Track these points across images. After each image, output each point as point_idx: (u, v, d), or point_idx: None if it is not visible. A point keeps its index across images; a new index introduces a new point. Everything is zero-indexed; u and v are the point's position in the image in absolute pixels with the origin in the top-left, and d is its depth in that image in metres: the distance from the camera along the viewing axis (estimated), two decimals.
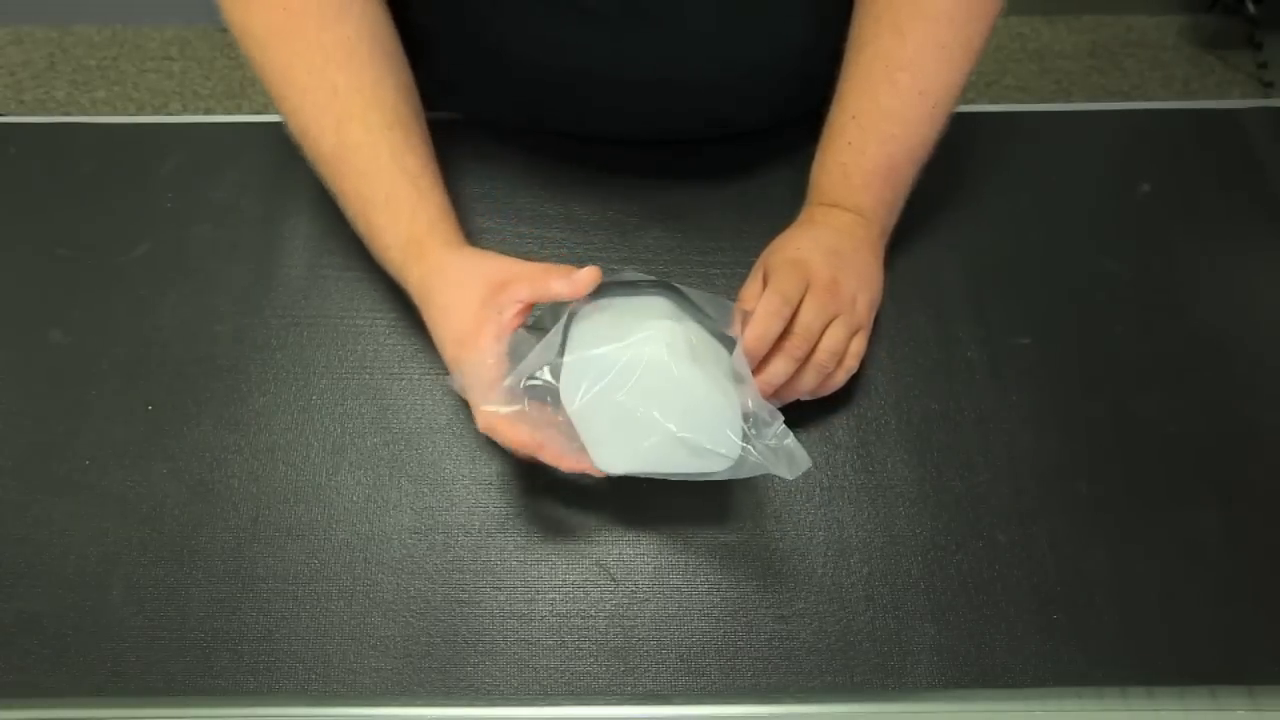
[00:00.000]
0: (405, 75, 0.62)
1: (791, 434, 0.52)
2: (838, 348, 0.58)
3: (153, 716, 0.54)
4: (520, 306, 0.54)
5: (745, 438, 0.52)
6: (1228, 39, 1.84)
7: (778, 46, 0.67)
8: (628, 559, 0.58)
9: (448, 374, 0.56)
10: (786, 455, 0.51)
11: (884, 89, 0.62)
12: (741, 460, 0.52)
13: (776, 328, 0.55)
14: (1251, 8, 1.73)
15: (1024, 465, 0.61)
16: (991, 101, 1.81)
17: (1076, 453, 0.61)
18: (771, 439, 0.52)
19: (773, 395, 0.57)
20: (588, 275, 0.53)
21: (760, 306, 0.55)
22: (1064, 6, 1.88)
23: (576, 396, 0.52)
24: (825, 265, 0.59)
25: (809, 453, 0.51)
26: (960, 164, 0.73)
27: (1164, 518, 0.59)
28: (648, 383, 0.51)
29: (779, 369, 0.56)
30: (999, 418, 0.62)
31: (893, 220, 0.65)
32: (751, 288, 0.60)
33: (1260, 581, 0.57)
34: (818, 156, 0.65)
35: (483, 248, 0.59)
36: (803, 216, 0.64)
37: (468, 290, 0.55)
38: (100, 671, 0.54)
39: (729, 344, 0.56)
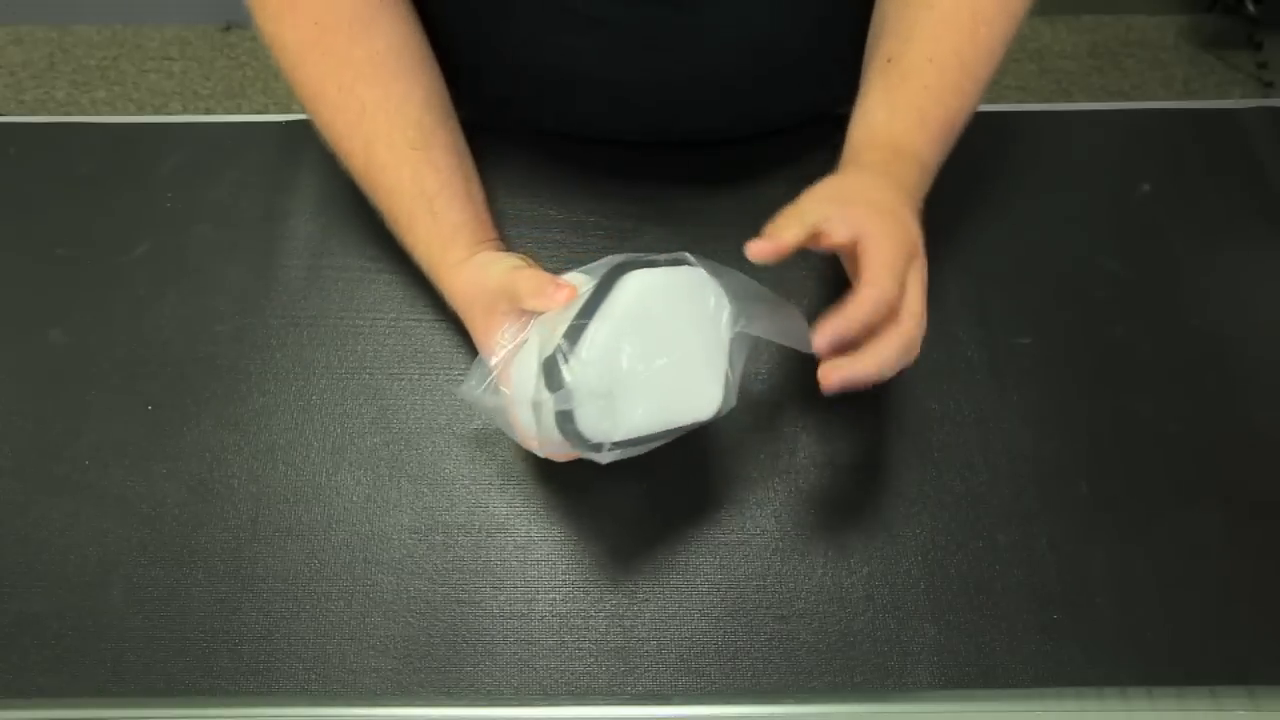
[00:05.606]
0: (433, 82, 0.62)
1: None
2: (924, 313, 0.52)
3: (153, 716, 0.54)
4: (519, 321, 0.53)
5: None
6: (1228, 39, 1.83)
7: (779, 53, 0.67)
8: (628, 559, 0.58)
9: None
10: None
11: (967, 40, 0.58)
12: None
13: (885, 314, 0.49)
14: (1251, 8, 1.73)
15: (1024, 465, 0.60)
16: (991, 101, 1.81)
17: (1076, 453, 0.61)
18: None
19: (844, 381, 0.49)
20: (559, 295, 0.51)
21: (873, 289, 0.48)
22: (1064, 6, 1.88)
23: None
24: (919, 231, 0.53)
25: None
26: (960, 164, 0.73)
27: (1164, 518, 0.59)
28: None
29: (893, 356, 0.49)
30: (999, 418, 0.62)
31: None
32: (791, 227, 0.51)
33: (1260, 581, 0.57)
34: (880, 94, 0.59)
35: None
36: (877, 165, 0.56)
37: (475, 310, 0.57)
38: (100, 671, 0.54)
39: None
